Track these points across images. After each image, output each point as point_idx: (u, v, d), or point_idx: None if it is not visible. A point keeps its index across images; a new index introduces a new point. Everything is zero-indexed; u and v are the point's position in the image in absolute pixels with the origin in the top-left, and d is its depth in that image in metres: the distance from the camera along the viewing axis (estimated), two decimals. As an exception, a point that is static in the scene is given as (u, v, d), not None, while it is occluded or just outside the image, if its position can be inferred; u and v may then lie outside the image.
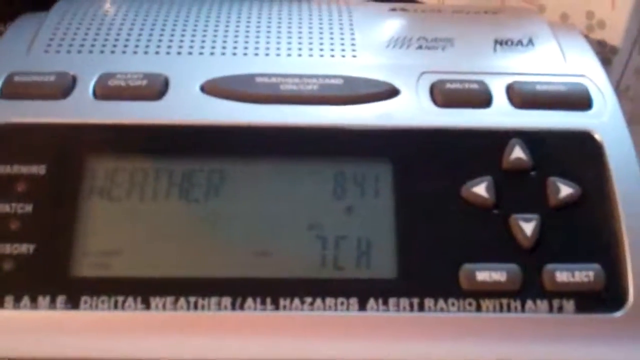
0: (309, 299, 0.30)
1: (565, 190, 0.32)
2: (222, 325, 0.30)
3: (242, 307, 0.30)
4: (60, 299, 0.29)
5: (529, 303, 0.30)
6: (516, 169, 0.33)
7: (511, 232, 0.31)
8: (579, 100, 0.35)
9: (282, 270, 0.30)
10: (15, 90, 0.34)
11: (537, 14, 0.42)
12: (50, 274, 0.30)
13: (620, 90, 0.43)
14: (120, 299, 0.30)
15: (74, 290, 0.30)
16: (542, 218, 0.31)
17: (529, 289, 0.30)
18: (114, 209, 0.31)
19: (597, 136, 0.33)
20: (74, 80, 0.34)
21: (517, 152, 0.33)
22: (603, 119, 0.34)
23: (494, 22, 0.40)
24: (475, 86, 0.35)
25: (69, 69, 0.35)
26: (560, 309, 0.30)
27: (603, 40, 0.41)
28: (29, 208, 0.31)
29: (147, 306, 0.30)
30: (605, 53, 0.41)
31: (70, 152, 0.32)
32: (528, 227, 0.31)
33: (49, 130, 0.33)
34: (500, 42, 0.38)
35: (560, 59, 0.37)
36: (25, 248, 0.30)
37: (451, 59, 0.37)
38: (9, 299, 0.29)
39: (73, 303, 0.29)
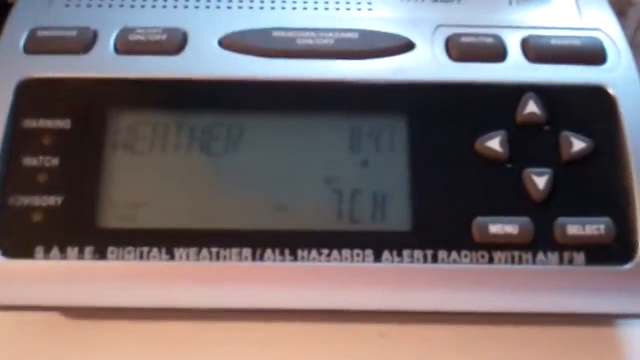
0: (326, 251, 0.31)
1: (578, 144, 0.33)
2: (243, 275, 0.31)
3: (262, 258, 0.31)
4: (89, 249, 0.31)
5: (540, 255, 0.31)
6: (530, 123, 0.33)
7: (524, 186, 0.32)
8: (594, 55, 0.35)
9: (300, 223, 0.31)
10: (38, 46, 0.34)
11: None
12: (78, 226, 0.31)
13: (636, 42, 0.43)
14: (146, 249, 0.31)
15: (101, 242, 0.31)
16: (555, 172, 0.32)
17: (541, 241, 0.31)
18: (137, 161, 0.32)
19: (610, 91, 0.34)
20: (95, 35, 0.35)
21: (531, 107, 0.33)
22: (617, 74, 0.34)
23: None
24: (490, 40, 0.35)
25: (90, 24, 0.35)
26: (571, 261, 0.31)
27: (620, -8, 0.41)
28: (55, 161, 0.32)
29: (172, 257, 0.31)
30: (621, 5, 0.41)
31: (94, 106, 0.33)
32: (541, 181, 0.32)
33: (72, 85, 0.33)
34: (516, -5, 0.38)
35: (575, 13, 0.37)
36: (53, 200, 0.31)
37: (467, 12, 0.37)
38: (39, 250, 0.31)
39: (101, 254, 0.31)
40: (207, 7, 0.37)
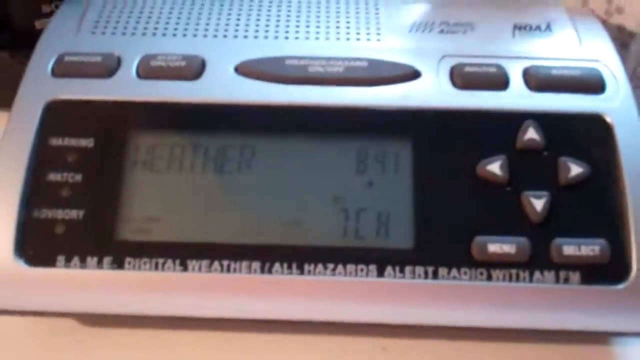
0: (331, 265, 0.32)
1: (576, 169, 0.34)
2: (251, 287, 0.32)
3: (270, 271, 0.32)
4: (107, 260, 0.33)
5: (537, 274, 0.32)
6: (529, 149, 0.34)
7: (522, 208, 0.33)
8: (592, 85, 0.36)
9: (308, 238, 0.33)
10: (66, 69, 0.36)
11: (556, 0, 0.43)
12: (97, 237, 0.33)
13: (637, 72, 0.44)
14: (161, 261, 0.33)
15: (119, 253, 0.33)
16: (552, 195, 0.33)
17: (538, 260, 0.32)
18: (154, 179, 0.34)
19: (608, 119, 0.35)
20: (118, 60, 0.37)
21: (531, 133, 0.35)
22: (615, 103, 0.36)
23: (514, 7, 0.42)
24: (493, 70, 0.37)
25: (114, 50, 0.37)
26: (567, 280, 0.32)
27: (621, 25, 0.42)
28: (78, 177, 0.34)
29: (185, 268, 0.32)
30: (623, 37, 0.43)
31: (116, 127, 0.35)
32: (538, 203, 0.33)
33: (96, 107, 0.35)
34: (519, 27, 0.40)
35: (576, 44, 0.39)
36: (75, 214, 0.33)
37: (471, 43, 0.39)
38: (60, 259, 0.33)
39: (118, 264, 0.33)
40: (225, 36, 0.39)
